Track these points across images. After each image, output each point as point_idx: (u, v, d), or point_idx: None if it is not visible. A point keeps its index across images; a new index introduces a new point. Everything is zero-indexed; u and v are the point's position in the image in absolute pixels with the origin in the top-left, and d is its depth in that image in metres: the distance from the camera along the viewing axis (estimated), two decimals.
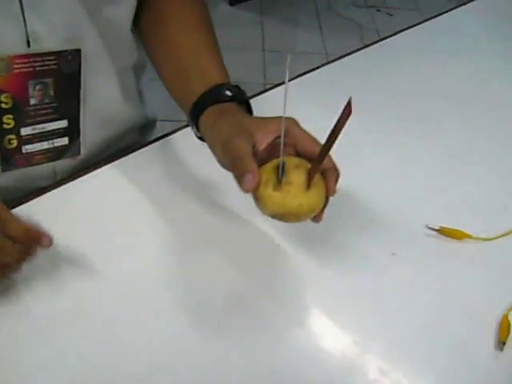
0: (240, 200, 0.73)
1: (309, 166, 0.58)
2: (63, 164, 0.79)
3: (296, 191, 0.56)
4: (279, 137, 0.59)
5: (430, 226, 0.74)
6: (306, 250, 0.70)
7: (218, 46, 0.78)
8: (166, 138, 0.84)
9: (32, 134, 0.73)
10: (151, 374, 0.56)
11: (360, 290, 0.67)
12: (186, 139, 0.80)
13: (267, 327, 0.62)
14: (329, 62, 1.08)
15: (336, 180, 0.60)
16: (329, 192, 0.59)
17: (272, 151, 0.61)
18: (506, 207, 0.79)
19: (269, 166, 0.58)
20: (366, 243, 0.71)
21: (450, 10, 1.32)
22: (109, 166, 0.77)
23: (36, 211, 0.68)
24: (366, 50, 1.13)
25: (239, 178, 0.56)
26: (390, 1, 3.74)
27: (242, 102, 0.71)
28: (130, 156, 0.80)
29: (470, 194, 0.81)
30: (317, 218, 0.60)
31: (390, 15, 3.58)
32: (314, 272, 0.68)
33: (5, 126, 0.70)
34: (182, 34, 0.77)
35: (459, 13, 1.31)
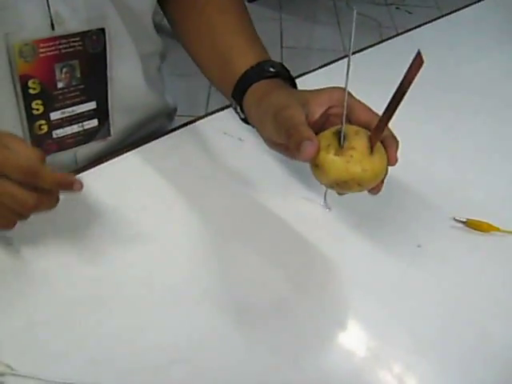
0: (263, 188, 0.73)
1: (368, 133, 0.57)
2: (84, 151, 0.79)
3: (360, 156, 0.55)
4: (332, 107, 0.59)
5: (457, 218, 0.72)
6: (331, 241, 0.69)
7: (253, 25, 0.77)
8: (188, 126, 0.83)
9: (61, 118, 0.72)
10: (170, 364, 0.56)
11: (385, 281, 0.65)
12: (208, 128, 0.79)
13: (290, 320, 0.61)
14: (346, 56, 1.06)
15: (396, 148, 0.58)
16: (391, 160, 0.57)
17: (325, 123, 0.59)
18: None
19: (327, 133, 0.57)
20: (391, 235, 0.70)
21: (470, 4, 1.30)
22: (132, 152, 0.77)
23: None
24: (385, 43, 1.12)
25: (296, 147, 0.54)
26: None
27: (287, 78, 0.70)
28: (152, 143, 0.79)
29: (497, 186, 0.79)
30: (376, 189, 0.59)
31: (409, 13, 3.56)
32: (339, 262, 0.67)
33: (34, 112, 0.69)
34: (217, 16, 0.76)
35: (479, 7, 1.30)
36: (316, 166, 0.56)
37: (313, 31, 3.29)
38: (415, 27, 1.19)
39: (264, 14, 3.34)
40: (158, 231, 0.67)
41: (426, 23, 1.21)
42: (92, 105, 0.74)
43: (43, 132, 0.72)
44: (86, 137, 0.76)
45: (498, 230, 0.72)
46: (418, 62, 0.50)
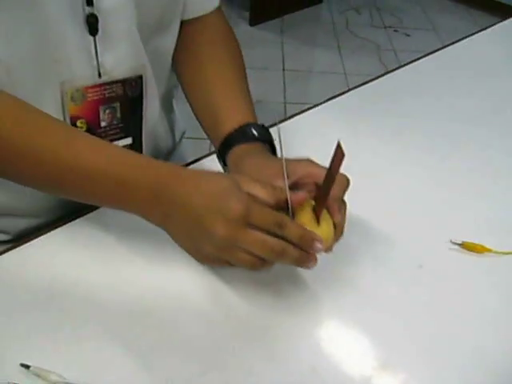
0: None
1: (313, 203, 0.66)
2: None
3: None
4: (300, 178, 0.68)
5: (454, 240, 0.80)
6: (336, 262, 0.75)
7: (247, 85, 0.86)
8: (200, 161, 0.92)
9: None
10: (205, 372, 0.63)
11: (389, 298, 0.73)
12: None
13: (290, 334, 0.68)
14: (350, 89, 1.15)
15: (343, 211, 0.68)
16: (335, 221, 0.66)
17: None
18: None
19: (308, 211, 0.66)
20: (395, 255, 0.78)
21: (471, 35, 1.39)
22: None
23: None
24: (387, 76, 1.20)
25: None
26: (407, 21, 3.82)
27: (266, 141, 0.78)
28: None
29: (489, 210, 0.87)
30: (328, 250, 0.67)
31: (407, 35, 3.65)
32: (343, 283, 0.74)
33: None
34: (213, 75, 0.85)
35: (479, 38, 1.38)
36: None
37: (313, 54, 3.38)
38: (417, 59, 1.27)
39: (266, 37, 3.44)
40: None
41: (426, 55, 1.29)
42: (128, 140, 0.83)
43: None
44: None
45: (490, 251, 0.79)
46: (339, 155, 0.60)
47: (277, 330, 0.68)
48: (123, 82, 0.77)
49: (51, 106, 0.73)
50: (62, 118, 0.75)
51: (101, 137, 0.78)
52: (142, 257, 0.74)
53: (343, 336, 0.69)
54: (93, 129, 0.78)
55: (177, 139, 1.04)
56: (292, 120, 1.02)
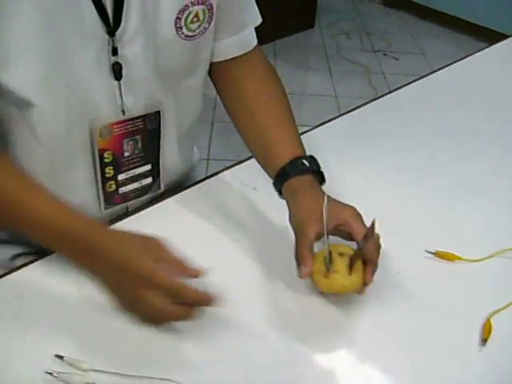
0: (274, 226, 0.91)
1: (351, 252, 0.79)
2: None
3: (340, 278, 0.77)
4: (340, 225, 0.81)
5: (428, 249, 0.91)
6: None
7: (294, 120, 0.95)
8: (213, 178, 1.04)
9: (126, 179, 0.93)
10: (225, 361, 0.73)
11: (368, 301, 0.82)
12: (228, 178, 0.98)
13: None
14: (341, 115, 1.27)
15: (373, 271, 0.79)
16: (367, 280, 0.78)
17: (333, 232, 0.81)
18: (490, 234, 0.97)
19: (319, 255, 0.78)
20: None
21: (457, 60, 1.51)
22: (169, 199, 0.97)
23: None
24: (376, 102, 1.32)
25: (298, 265, 0.78)
26: (396, 45, 3.94)
27: (316, 171, 0.89)
28: (187, 191, 1.00)
29: (461, 222, 0.98)
30: (360, 292, 0.79)
31: (396, 59, 3.77)
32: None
33: (107, 175, 0.90)
34: (263, 112, 0.95)
35: (466, 63, 1.51)
36: (312, 280, 0.79)
37: (305, 78, 3.49)
38: (405, 85, 1.39)
39: None
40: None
41: (415, 80, 1.41)
42: (148, 167, 0.94)
43: (112, 190, 0.92)
44: (143, 191, 0.97)
45: (460, 258, 0.91)
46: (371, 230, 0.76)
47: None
48: (143, 117, 0.88)
49: (81, 141, 0.85)
50: (89, 151, 0.86)
51: (124, 165, 0.91)
52: None
53: (321, 334, 0.79)
54: (117, 159, 0.89)
55: (194, 164, 1.14)
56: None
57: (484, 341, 0.79)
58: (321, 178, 0.89)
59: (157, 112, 0.89)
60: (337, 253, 0.78)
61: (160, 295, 0.71)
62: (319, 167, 0.89)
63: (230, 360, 0.74)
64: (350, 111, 1.28)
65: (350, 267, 0.77)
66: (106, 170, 0.89)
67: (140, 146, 0.90)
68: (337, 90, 3.30)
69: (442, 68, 1.48)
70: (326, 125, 1.22)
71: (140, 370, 0.70)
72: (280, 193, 0.89)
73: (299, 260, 0.78)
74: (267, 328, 0.79)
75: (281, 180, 0.88)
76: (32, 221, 0.75)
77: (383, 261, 0.87)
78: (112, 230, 0.79)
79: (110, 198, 0.93)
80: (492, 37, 3.28)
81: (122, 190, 0.93)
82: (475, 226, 0.98)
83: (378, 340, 0.79)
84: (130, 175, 0.93)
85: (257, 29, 0.98)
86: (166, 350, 0.74)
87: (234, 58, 0.96)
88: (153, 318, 0.76)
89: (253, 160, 1.06)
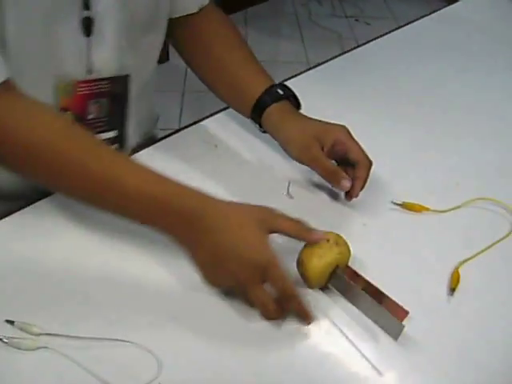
0: (237, 182, 0.88)
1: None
2: None
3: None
4: (335, 145, 0.84)
5: (394, 201, 0.89)
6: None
7: (254, 55, 0.97)
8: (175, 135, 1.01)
9: None
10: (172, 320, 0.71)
11: None
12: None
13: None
14: (310, 68, 1.24)
15: (361, 187, 0.85)
16: (353, 194, 0.85)
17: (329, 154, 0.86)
18: (458, 185, 0.95)
19: (325, 261, 0.72)
20: (341, 215, 0.86)
21: (422, 17, 1.51)
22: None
23: None
24: (345, 55, 1.31)
25: (336, 184, 0.85)
26: (368, 11, 3.90)
27: (291, 96, 0.91)
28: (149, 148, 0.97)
29: (428, 175, 0.96)
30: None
31: (368, 24, 3.74)
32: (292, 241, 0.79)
33: None
34: (225, 53, 0.96)
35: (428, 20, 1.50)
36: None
37: (277, 45, 3.44)
38: (373, 39, 1.38)
39: None
40: None
41: (382, 35, 1.39)
42: (113, 133, 0.90)
43: None
44: None
45: (428, 209, 0.89)
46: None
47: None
48: (111, 79, 0.84)
49: (45, 97, 0.79)
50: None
51: (87, 128, 0.82)
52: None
53: None
54: (80, 120, 0.84)
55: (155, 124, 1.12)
56: None
57: (452, 290, 0.77)
58: (296, 104, 0.92)
59: (125, 76, 0.85)
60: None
61: (267, 293, 0.69)
62: (294, 92, 0.92)
63: (191, 320, 0.71)
64: (318, 65, 1.27)
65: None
66: None
67: (106, 109, 0.86)
68: (309, 57, 3.26)
69: (408, 23, 1.47)
70: (296, 78, 1.19)
71: (95, 332, 0.68)
72: (260, 126, 0.91)
73: (334, 178, 0.84)
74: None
75: (259, 111, 0.90)
76: (123, 193, 0.70)
77: (348, 213, 0.86)
78: (220, 201, 0.71)
79: None
80: None
81: None
82: (443, 177, 0.96)
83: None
84: None
85: None
86: (123, 311, 0.71)
87: (192, 14, 0.95)
88: (245, 302, 0.72)
89: (213, 118, 1.04)
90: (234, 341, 0.70)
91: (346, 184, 0.83)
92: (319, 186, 0.91)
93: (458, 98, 1.17)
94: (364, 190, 0.88)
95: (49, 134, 0.70)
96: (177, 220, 0.70)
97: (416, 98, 1.16)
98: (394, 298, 0.72)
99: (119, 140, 0.92)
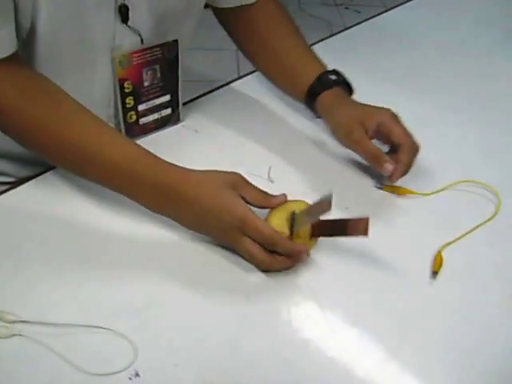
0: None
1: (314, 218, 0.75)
2: None
3: (301, 242, 0.74)
4: (379, 128, 0.84)
5: (377, 184, 0.88)
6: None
7: (307, 42, 1.00)
8: None
9: (146, 109, 0.92)
10: (148, 307, 0.70)
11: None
12: None
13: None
14: None
15: (404, 172, 0.85)
16: (393, 177, 0.85)
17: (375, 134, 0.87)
18: (442, 168, 0.94)
19: (281, 214, 0.74)
20: None
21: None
22: None
23: None
24: (332, 38, 1.32)
25: (379, 167, 0.84)
26: None
27: (343, 82, 0.94)
28: None
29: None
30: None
31: (358, 12, 3.72)
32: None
33: (127, 106, 0.90)
34: (279, 41, 0.98)
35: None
36: None
37: None
38: (360, 22, 1.39)
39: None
40: None
41: (368, 18, 1.40)
42: (167, 97, 0.94)
43: (133, 120, 0.92)
44: (162, 122, 0.96)
45: (411, 192, 0.88)
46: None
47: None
48: (162, 46, 0.88)
49: (104, 70, 0.85)
50: (112, 81, 0.86)
51: (144, 95, 0.91)
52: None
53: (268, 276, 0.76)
54: (137, 88, 0.89)
55: None
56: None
57: (435, 273, 0.76)
58: (349, 89, 0.95)
59: (174, 41, 0.88)
60: (301, 217, 0.74)
61: (254, 243, 0.72)
62: (345, 78, 0.94)
63: (166, 306, 0.70)
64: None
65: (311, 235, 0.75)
66: (127, 100, 0.88)
67: (159, 75, 0.90)
68: None
69: (396, 6, 1.46)
70: None
71: (70, 318, 0.66)
72: (315, 111, 0.94)
73: (376, 161, 0.84)
74: (212, 269, 0.75)
75: (312, 97, 0.93)
76: (105, 167, 0.74)
77: None
78: (193, 172, 0.75)
79: (130, 130, 0.92)
80: None
81: (142, 120, 0.93)
82: (427, 160, 0.95)
83: (325, 278, 0.76)
84: (150, 106, 0.92)
85: None
86: (98, 298, 0.70)
87: (248, 4, 0.97)
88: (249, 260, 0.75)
89: (194, 102, 1.02)
90: (211, 329, 0.69)
91: (388, 168, 0.83)
92: (300, 171, 0.90)
93: (442, 82, 1.16)
94: (345, 171, 0.88)
95: (37, 108, 0.74)
96: (156, 194, 0.74)
97: (400, 81, 1.15)
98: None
99: (172, 104, 0.95)
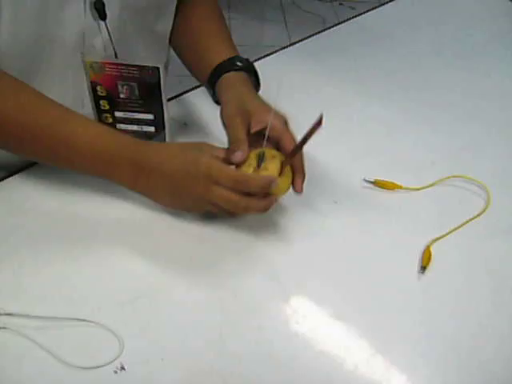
0: None
1: (283, 158, 0.74)
2: None
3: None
4: (271, 129, 0.76)
5: (367, 178, 0.87)
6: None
7: (228, 30, 0.97)
8: None
9: (123, 118, 0.85)
10: (137, 299, 0.69)
11: (305, 231, 0.80)
12: None
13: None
14: (290, 45, 1.26)
15: (302, 180, 0.77)
16: (296, 188, 0.77)
17: (258, 137, 0.77)
18: (432, 163, 0.93)
19: (253, 153, 0.75)
20: (310, 192, 0.83)
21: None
22: None
23: None
24: (324, 32, 1.31)
25: (232, 152, 0.74)
26: None
27: (250, 71, 0.88)
28: None
29: (401, 153, 0.95)
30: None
31: (353, 8, 3.71)
32: (261, 218, 0.80)
33: (102, 107, 0.84)
34: (199, 23, 0.96)
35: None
36: None
37: (261, 29, 3.41)
38: (353, 17, 1.38)
39: None
40: None
41: (363, 13, 1.40)
42: (150, 116, 0.85)
43: (109, 122, 0.86)
44: (145, 137, 0.87)
45: (401, 187, 0.87)
46: (318, 123, 0.69)
47: None
48: (139, 67, 0.80)
49: (76, 70, 0.81)
50: (85, 82, 0.81)
51: (121, 104, 0.84)
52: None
53: (248, 269, 0.76)
54: (112, 96, 0.82)
55: None
56: None
57: (423, 268, 0.76)
58: (256, 82, 0.90)
59: (155, 67, 0.79)
60: (270, 155, 0.75)
61: (225, 189, 0.71)
62: (255, 69, 0.90)
63: (152, 299, 0.70)
64: (298, 41, 1.26)
65: (280, 171, 0.74)
66: (101, 102, 0.83)
67: (137, 92, 0.82)
68: (292, 41, 3.23)
69: (387, 3, 1.45)
70: (276, 54, 1.21)
71: (55, 311, 0.66)
72: (214, 93, 0.88)
73: (234, 144, 0.76)
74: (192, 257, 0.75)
75: (214, 77, 0.88)
76: (71, 148, 0.74)
77: (319, 190, 0.84)
78: (159, 144, 0.77)
79: None
80: None
81: (121, 126, 0.86)
82: (417, 155, 0.95)
83: (312, 272, 0.75)
84: (129, 116, 0.86)
85: None
86: (84, 291, 0.70)
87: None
88: (228, 213, 0.76)
89: (183, 96, 1.02)
90: (197, 324, 0.68)
91: (238, 156, 0.75)
92: None
93: (432, 77, 1.16)
94: (335, 165, 0.87)
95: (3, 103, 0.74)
96: (125, 171, 0.74)
97: (391, 76, 1.14)
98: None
99: (156, 124, 0.87)
